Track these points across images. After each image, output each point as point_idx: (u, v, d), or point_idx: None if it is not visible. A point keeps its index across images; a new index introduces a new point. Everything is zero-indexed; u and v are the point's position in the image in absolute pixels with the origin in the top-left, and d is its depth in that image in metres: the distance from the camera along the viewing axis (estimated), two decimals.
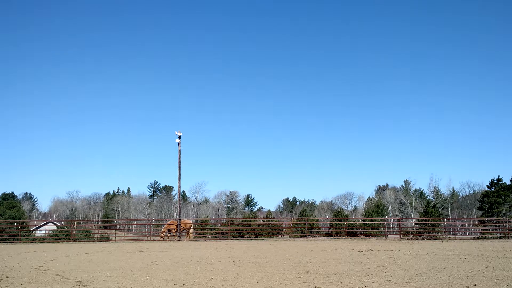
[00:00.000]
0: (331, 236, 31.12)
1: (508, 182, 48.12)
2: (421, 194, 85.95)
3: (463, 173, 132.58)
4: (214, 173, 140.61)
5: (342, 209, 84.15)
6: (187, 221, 32.08)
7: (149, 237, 31.68)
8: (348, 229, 32.58)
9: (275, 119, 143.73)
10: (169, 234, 30.67)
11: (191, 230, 30.82)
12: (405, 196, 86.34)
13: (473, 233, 51.19)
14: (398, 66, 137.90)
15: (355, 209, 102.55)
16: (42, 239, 33.92)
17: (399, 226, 39.41)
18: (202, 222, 44.01)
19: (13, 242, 29.43)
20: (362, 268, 10.37)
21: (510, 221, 35.87)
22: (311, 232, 34.05)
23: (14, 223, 38.82)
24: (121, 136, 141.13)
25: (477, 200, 60.87)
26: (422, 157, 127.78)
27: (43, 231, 46.05)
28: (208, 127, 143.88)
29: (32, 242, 29.84)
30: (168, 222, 31.90)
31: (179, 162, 33.05)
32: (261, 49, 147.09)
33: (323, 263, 11.62)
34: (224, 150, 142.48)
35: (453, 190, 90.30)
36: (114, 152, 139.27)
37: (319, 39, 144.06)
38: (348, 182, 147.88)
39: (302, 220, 40.59)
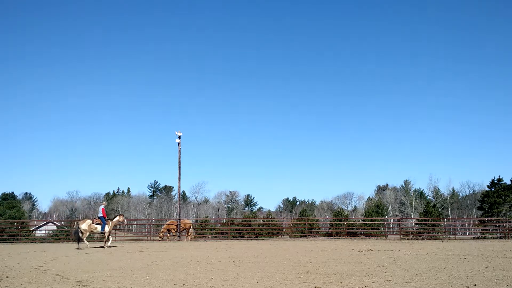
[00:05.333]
0: (331, 236, 31.11)
1: (508, 182, 48.11)
2: (421, 194, 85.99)
3: (463, 173, 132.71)
4: (214, 173, 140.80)
5: (342, 209, 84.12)
6: (186, 221, 32.07)
7: (149, 237, 31.68)
8: (348, 229, 32.57)
9: (275, 119, 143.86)
10: (168, 234, 30.66)
11: (191, 230, 30.81)
12: (405, 196, 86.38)
13: (473, 233, 51.19)
14: (398, 66, 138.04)
15: (355, 209, 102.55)
16: (42, 239, 33.95)
17: (399, 226, 39.45)
18: (202, 222, 44.00)
19: (13, 242, 29.44)
20: (362, 268, 10.36)
21: (510, 221, 35.85)
22: (311, 232, 34.04)
23: (14, 223, 38.79)
24: (121, 136, 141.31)
25: (477, 200, 60.87)
26: (421, 157, 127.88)
27: (43, 231, 46.10)
28: (208, 127, 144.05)
29: (32, 242, 29.85)
30: (167, 222, 31.89)
31: (179, 162, 33.07)
32: (261, 49, 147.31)
33: (323, 263, 11.62)
34: (224, 150, 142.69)
35: (453, 190, 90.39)
36: (114, 152, 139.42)
37: (319, 39, 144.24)
38: (348, 182, 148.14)
39: (302, 220, 40.56)
